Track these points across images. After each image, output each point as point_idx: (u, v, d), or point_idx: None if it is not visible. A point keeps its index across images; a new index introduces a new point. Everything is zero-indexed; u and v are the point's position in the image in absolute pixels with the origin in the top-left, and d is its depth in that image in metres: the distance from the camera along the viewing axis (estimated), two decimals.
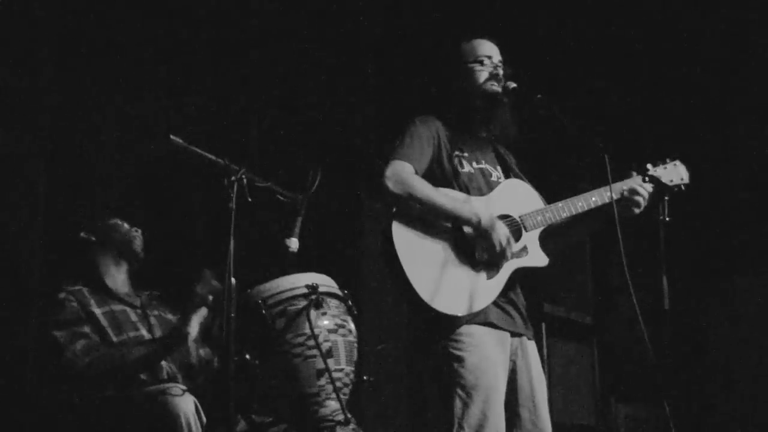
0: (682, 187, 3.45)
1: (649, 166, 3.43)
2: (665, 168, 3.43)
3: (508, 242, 3.10)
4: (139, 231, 3.76)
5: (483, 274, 3.13)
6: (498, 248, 3.09)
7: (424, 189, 3.12)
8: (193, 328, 3.37)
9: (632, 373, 6.15)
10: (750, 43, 5.61)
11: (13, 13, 4.20)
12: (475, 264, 3.12)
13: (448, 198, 3.15)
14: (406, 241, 3.07)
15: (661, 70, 5.86)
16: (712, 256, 6.47)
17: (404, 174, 3.13)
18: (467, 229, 3.13)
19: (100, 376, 3.31)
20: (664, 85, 5.93)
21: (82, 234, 3.71)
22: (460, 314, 3.05)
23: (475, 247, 3.12)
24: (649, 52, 5.82)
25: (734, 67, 5.76)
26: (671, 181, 3.43)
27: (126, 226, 3.75)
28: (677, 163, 3.46)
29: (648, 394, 5.98)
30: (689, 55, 5.79)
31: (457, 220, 3.13)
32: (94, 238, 3.69)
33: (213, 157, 3.15)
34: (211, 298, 3.33)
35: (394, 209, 3.12)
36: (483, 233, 3.10)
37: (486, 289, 3.12)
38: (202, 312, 3.38)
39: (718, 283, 6.51)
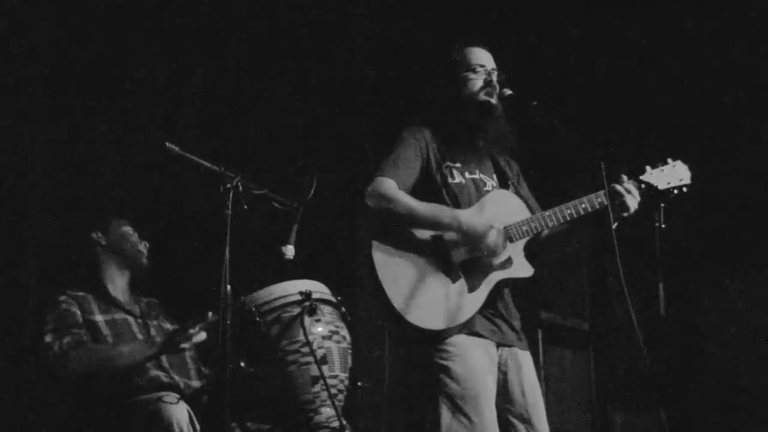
0: (683, 189, 3.35)
1: (647, 168, 3.35)
2: (662, 170, 3.34)
3: (496, 242, 3.10)
4: (147, 245, 3.75)
5: (465, 287, 3.12)
6: (484, 247, 3.09)
7: (405, 202, 3.12)
8: (188, 343, 3.36)
9: (629, 380, 6.15)
10: (748, 45, 5.60)
11: (11, 14, 4.22)
12: (456, 277, 3.11)
13: (428, 206, 3.14)
14: (386, 262, 3.08)
15: (654, 72, 5.86)
16: (708, 263, 6.46)
17: (384, 190, 3.13)
18: (448, 236, 3.13)
19: (85, 370, 3.28)
20: (659, 88, 5.92)
21: (93, 234, 3.68)
22: (440, 328, 3.05)
23: (453, 255, 3.12)
24: (645, 52, 5.81)
25: (729, 70, 5.76)
26: (668, 183, 3.34)
27: (136, 236, 3.73)
28: (677, 164, 3.36)
29: (644, 401, 5.98)
30: (684, 58, 5.79)
31: (438, 226, 3.13)
32: (104, 242, 3.68)
33: (209, 165, 3.15)
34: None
35: (374, 232, 3.12)
36: (465, 235, 3.10)
37: (468, 301, 3.11)
38: (201, 335, 3.38)
39: (715, 289, 6.50)
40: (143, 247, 3.74)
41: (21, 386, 4.02)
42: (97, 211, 3.92)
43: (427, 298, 3.06)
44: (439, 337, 3.07)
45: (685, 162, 3.39)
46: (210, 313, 3.32)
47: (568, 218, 3.24)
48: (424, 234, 3.15)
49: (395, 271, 3.07)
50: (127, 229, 3.73)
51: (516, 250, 3.22)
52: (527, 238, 3.23)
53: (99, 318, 3.48)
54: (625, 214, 3.26)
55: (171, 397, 3.17)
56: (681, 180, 3.36)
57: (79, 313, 3.44)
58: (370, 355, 4.95)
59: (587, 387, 5.96)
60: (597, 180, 3.21)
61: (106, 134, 4.59)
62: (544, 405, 3.27)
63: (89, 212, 4.00)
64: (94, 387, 3.33)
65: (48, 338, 3.33)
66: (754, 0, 5.41)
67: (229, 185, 3.10)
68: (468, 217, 3.14)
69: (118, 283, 3.67)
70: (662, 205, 3.36)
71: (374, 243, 3.10)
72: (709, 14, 5.47)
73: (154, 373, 3.42)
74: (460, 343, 3.08)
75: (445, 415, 3.02)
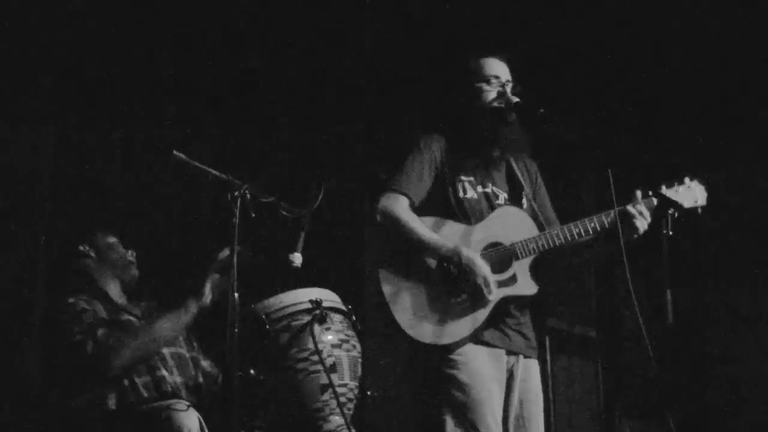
0: (698, 210, 3.26)
1: (663, 187, 3.27)
2: (677, 191, 3.25)
3: (486, 282, 3.10)
4: (134, 255, 3.73)
5: (467, 306, 3.15)
6: (476, 287, 3.11)
7: (414, 228, 3.17)
8: (208, 292, 3.40)
9: (636, 387, 6.14)
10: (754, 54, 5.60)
11: (19, 24, 4.23)
12: (459, 296, 3.15)
13: (431, 234, 3.18)
14: (393, 284, 3.16)
15: (662, 83, 5.86)
16: (715, 270, 6.46)
17: (394, 208, 3.19)
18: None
19: (130, 360, 3.28)
20: (665, 97, 5.92)
21: (80, 247, 3.66)
22: (445, 343, 3.11)
23: (460, 280, 3.15)
24: (652, 66, 5.81)
25: (736, 78, 5.76)
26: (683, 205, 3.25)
27: (122, 249, 3.71)
28: (694, 184, 3.27)
29: (652, 408, 5.97)
30: (686, 65, 5.79)
31: (440, 258, 3.16)
32: (93, 254, 3.66)
33: (216, 173, 3.16)
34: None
35: (380, 258, 3.22)
36: (463, 271, 3.12)
37: (469, 319, 3.14)
38: (216, 279, 3.41)
39: (723, 296, 6.50)
40: (131, 255, 3.73)
41: (26, 395, 4.01)
42: (83, 225, 3.87)
43: (435, 316, 3.12)
44: (446, 349, 3.12)
45: (702, 182, 3.29)
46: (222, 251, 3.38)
47: (576, 237, 3.22)
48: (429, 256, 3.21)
49: (402, 296, 3.15)
50: (114, 240, 3.71)
51: (521, 268, 3.22)
52: (533, 256, 3.24)
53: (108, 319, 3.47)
54: (635, 236, 3.20)
55: (181, 404, 3.17)
56: (696, 201, 3.28)
57: (91, 309, 3.43)
58: (378, 363, 4.95)
59: (595, 394, 5.95)
60: (605, 189, 3.21)
61: (113, 141, 4.59)
62: (542, 417, 3.29)
63: (75, 225, 3.97)
64: (100, 396, 3.32)
65: (78, 337, 3.29)
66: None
67: (236, 193, 3.10)
68: (467, 253, 3.14)
69: (113, 290, 3.66)
70: (669, 212, 3.34)
71: (381, 272, 3.18)
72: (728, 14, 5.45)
73: (160, 374, 3.41)
74: (467, 351, 3.13)
75: (449, 424, 3.07)
